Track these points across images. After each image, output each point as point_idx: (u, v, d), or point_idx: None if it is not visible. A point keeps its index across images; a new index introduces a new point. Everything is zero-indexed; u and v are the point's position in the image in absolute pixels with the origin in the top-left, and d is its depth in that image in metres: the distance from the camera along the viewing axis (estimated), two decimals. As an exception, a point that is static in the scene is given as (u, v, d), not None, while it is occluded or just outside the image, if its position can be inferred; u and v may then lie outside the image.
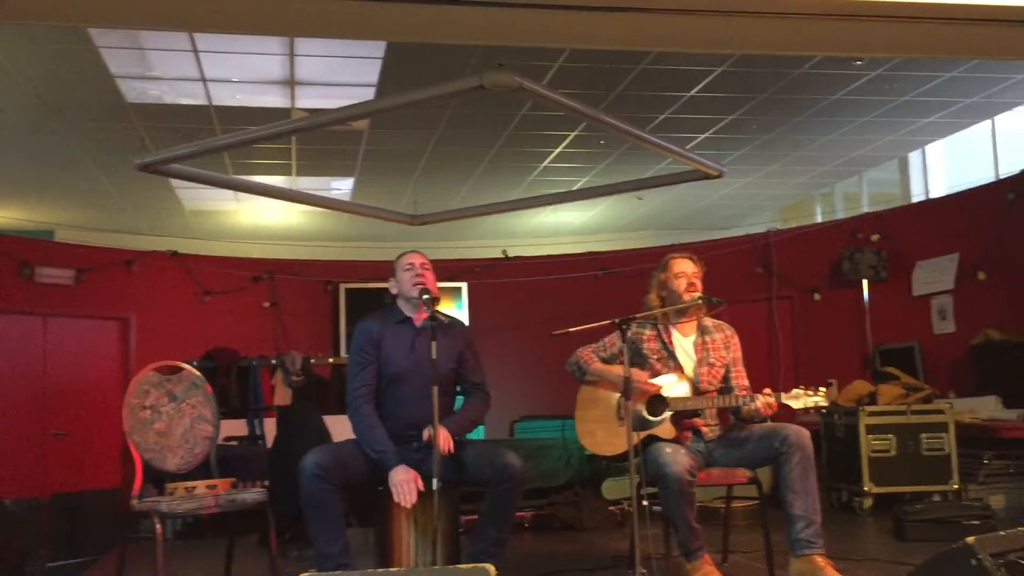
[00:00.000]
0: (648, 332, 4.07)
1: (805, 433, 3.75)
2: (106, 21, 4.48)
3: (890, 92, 7.21)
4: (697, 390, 3.95)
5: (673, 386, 3.94)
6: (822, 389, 3.68)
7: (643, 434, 3.82)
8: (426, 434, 3.55)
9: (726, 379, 4.07)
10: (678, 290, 4.01)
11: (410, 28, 3.55)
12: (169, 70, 6.32)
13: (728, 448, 3.96)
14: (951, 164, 9.64)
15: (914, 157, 9.69)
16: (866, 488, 5.79)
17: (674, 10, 3.41)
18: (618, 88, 6.83)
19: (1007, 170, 7.90)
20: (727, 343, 4.09)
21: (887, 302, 7.62)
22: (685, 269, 4.04)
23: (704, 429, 4.00)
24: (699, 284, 4.03)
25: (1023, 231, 6.58)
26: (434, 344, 3.40)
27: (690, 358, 4.04)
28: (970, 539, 2.49)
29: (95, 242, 8.93)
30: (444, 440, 3.51)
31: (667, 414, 3.87)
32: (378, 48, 6.01)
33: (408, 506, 3.46)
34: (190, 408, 4.17)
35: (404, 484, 3.46)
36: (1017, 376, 6.18)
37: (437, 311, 3.56)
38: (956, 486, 5.66)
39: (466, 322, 8.96)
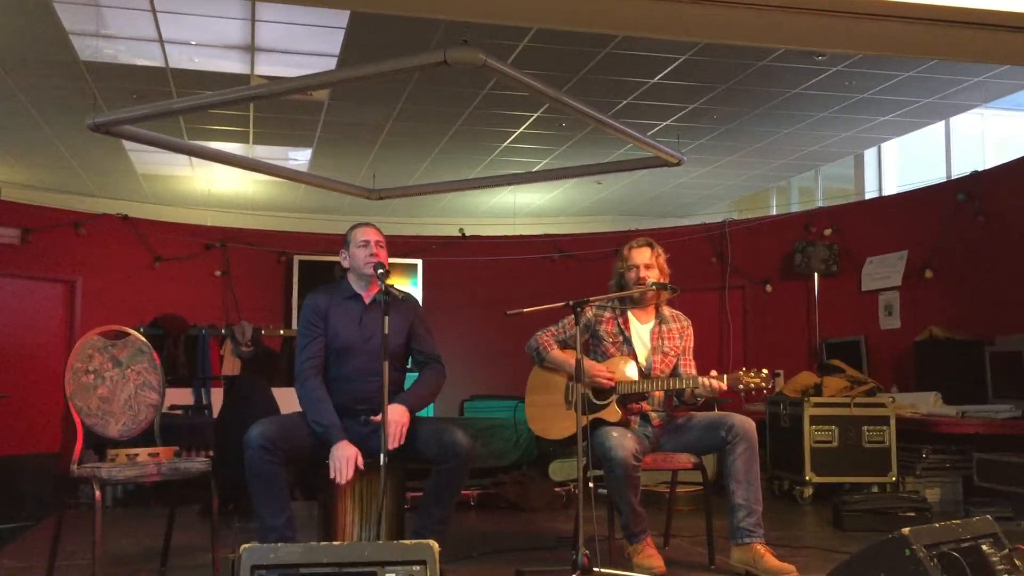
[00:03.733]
0: (607, 315, 4.10)
1: (750, 423, 3.81)
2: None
3: (849, 89, 7.30)
4: (647, 377, 3.99)
5: (622, 370, 3.97)
6: (764, 371, 3.71)
7: (590, 417, 3.85)
8: (375, 419, 3.52)
9: (675, 367, 4.12)
10: (630, 282, 4.05)
11: (374, -2, 3.50)
12: (125, 29, 6.17)
13: (674, 434, 4.00)
14: (905, 163, 9.81)
15: (869, 154, 9.84)
16: (807, 477, 5.90)
17: (641, -6, 3.41)
18: (582, 71, 6.82)
19: (959, 171, 8.06)
20: (682, 333, 4.15)
21: (836, 296, 7.74)
22: (638, 260, 4.06)
23: (651, 414, 4.03)
24: (653, 272, 4.05)
25: (971, 232, 6.71)
26: (386, 319, 3.37)
27: (644, 345, 4.08)
28: (905, 530, 2.54)
29: (43, 202, 8.73)
30: (395, 429, 3.47)
31: (613, 397, 3.90)
32: (341, 17, 5.93)
33: (342, 483, 3.44)
34: (135, 374, 4.10)
35: (342, 460, 3.42)
36: (957, 373, 6.32)
37: (389, 285, 3.52)
38: (894, 478, 5.79)
39: (420, 299, 8.94)
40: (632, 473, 3.67)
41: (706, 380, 3.76)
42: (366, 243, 3.74)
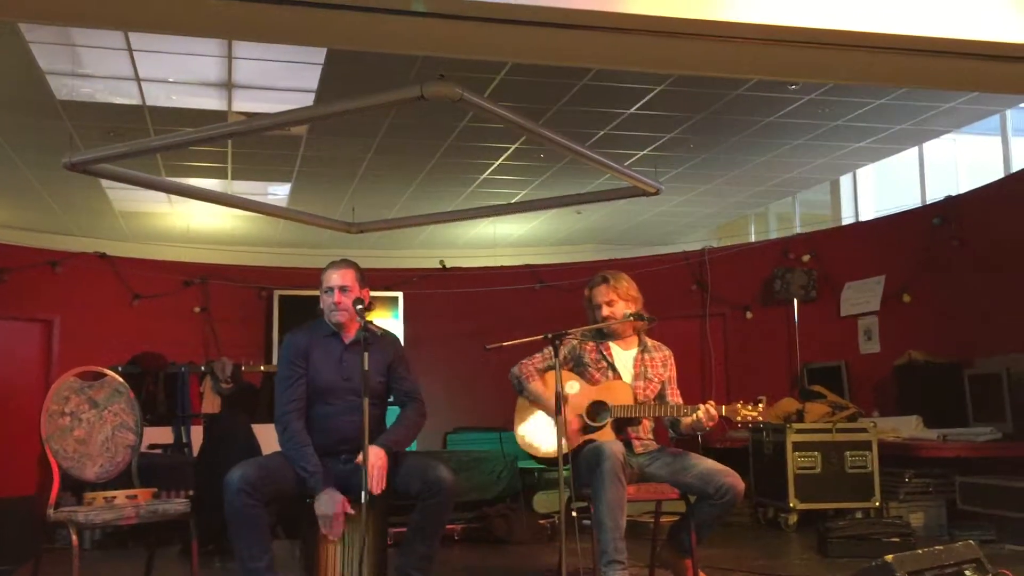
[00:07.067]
0: (590, 344, 4.12)
1: (742, 487, 3.80)
2: (38, 17, 4.35)
3: (823, 116, 7.38)
4: (635, 401, 4.00)
5: (616, 393, 3.97)
6: (761, 404, 3.74)
7: (584, 438, 3.84)
8: (359, 459, 3.49)
9: (661, 396, 4.13)
10: (598, 320, 4.08)
11: (350, 36, 3.52)
12: (102, 68, 6.17)
13: (663, 464, 3.96)
14: (880, 188, 9.90)
15: (845, 180, 9.93)
16: (792, 504, 5.89)
17: (615, 29, 3.44)
18: (559, 103, 6.87)
19: (933, 196, 8.14)
20: (665, 362, 4.17)
21: (816, 322, 7.78)
22: (599, 299, 4.09)
23: (636, 443, 4.02)
24: (619, 305, 4.06)
25: (947, 255, 6.77)
26: (365, 356, 3.36)
27: (628, 371, 4.09)
28: (889, 557, 2.55)
29: (19, 241, 8.67)
30: (375, 472, 3.45)
31: (608, 420, 3.90)
32: (318, 54, 5.95)
33: (334, 539, 3.42)
34: (112, 416, 4.06)
35: (330, 517, 3.41)
36: (938, 397, 6.35)
37: (369, 322, 3.51)
38: (878, 503, 5.79)
39: (401, 331, 8.91)
40: (618, 469, 3.61)
41: (702, 413, 3.78)
42: (329, 290, 3.71)
